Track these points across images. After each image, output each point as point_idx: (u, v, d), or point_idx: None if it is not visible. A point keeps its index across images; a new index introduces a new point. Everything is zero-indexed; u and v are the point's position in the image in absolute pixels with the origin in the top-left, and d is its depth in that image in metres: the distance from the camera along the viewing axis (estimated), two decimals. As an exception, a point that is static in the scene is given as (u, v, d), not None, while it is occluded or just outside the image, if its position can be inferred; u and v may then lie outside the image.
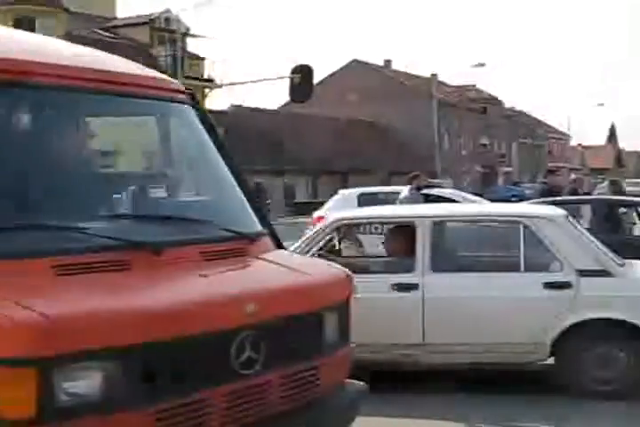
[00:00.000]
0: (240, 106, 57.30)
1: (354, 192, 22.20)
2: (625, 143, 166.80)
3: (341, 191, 23.01)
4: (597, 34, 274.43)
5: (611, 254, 8.41)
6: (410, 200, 16.13)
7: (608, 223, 15.07)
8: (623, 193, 20.26)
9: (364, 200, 20.92)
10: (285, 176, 55.06)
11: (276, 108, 69.23)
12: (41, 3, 43.60)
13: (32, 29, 42.13)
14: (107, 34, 46.84)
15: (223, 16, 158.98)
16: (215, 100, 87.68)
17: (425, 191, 17.08)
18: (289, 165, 54.59)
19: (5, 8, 42.76)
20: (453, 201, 19.08)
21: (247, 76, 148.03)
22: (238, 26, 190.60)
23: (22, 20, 41.42)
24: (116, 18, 50.45)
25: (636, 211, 16.17)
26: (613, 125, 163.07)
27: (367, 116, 71.37)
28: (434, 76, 76.83)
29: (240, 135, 51.59)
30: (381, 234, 12.37)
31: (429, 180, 18.59)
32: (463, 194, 22.33)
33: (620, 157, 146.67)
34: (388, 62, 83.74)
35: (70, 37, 43.08)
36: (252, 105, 61.40)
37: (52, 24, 43.48)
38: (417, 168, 20.74)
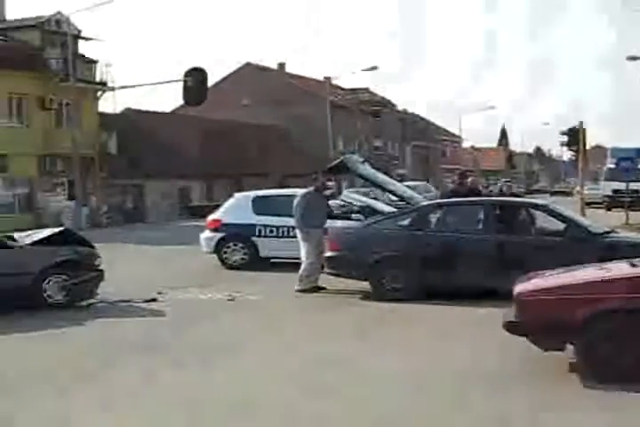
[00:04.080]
0: (133, 109, 56.81)
1: (249, 195, 22.24)
2: (515, 145, 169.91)
3: (236, 195, 22.93)
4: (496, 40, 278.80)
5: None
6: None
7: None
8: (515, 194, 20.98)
9: (258, 203, 21.06)
10: (180, 179, 54.77)
11: (169, 111, 68.66)
12: None
13: None
14: (-3, 36, 45.75)
15: (115, 18, 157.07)
16: (107, 103, 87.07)
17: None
18: (184, 169, 54.28)
19: None
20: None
21: (140, 79, 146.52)
22: (131, 28, 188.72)
23: None
24: (5, 20, 49.32)
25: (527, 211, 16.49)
26: (504, 128, 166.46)
27: (261, 120, 71.36)
28: (327, 79, 77.33)
29: (133, 138, 51.12)
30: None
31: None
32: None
33: (511, 159, 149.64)
34: (281, 65, 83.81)
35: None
36: (146, 108, 60.92)
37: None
38: (312, 170, 20.93)
